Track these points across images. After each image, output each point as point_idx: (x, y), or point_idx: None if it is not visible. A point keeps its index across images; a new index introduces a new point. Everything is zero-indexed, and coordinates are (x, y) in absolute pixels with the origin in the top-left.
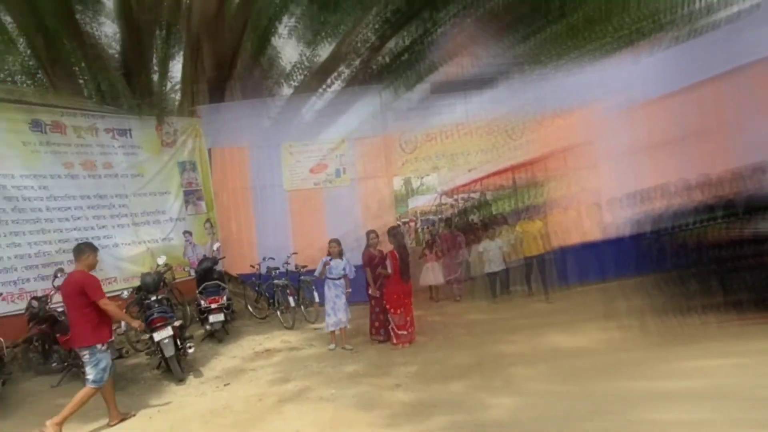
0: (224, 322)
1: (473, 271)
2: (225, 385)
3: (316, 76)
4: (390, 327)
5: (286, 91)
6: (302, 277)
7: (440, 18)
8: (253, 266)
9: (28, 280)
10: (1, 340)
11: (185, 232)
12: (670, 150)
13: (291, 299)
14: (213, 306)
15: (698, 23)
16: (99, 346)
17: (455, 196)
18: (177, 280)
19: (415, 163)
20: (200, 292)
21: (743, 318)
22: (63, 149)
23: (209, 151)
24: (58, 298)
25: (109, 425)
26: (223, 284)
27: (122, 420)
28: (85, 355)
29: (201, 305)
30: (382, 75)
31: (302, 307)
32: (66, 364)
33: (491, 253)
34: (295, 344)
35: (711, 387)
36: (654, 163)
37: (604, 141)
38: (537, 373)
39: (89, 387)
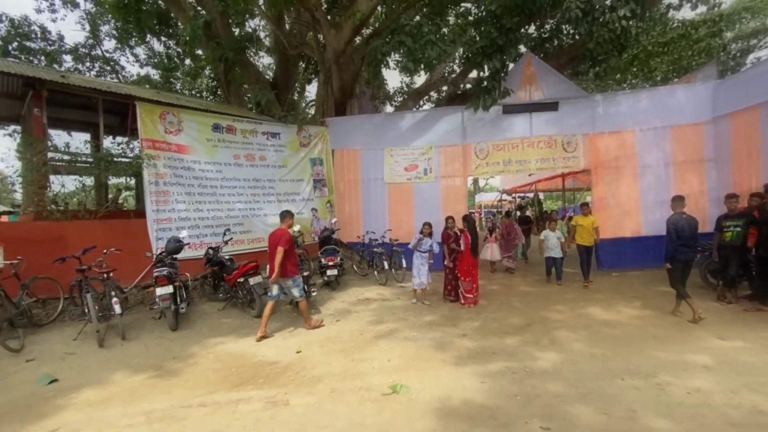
0: (337, 276)
1: (533, 255)
2: (336, 321)
3: (411, 97)
4: (459, 291)
5: (388, 108)
6: (394, 248)
7: (512, 54)
8: (359, 237)
9: (206, 235)
10: (188, 275)
11: (312, 209)
12: (699, 166)
13: (385, 263)
14: (330, 263)
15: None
16: (297, 277)
17: (513, 195)
18: (306, 243)
19: (486, 167)
20: (321, 253)
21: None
22: (233, 145)
23: (333, 151)
24: (226, 248)
25: (257, 340)
26: (337, 248)
27: (263, 338)
28: (289, 282)
29: (321, 262)
30: (464, 97)
31: (393, 270)
32: (228, 295)
33: (550, 241)
34: (387, 297)
35: (728, 363)
36: (685, 177)
37: (642, 156)
38: (578, 336)
39: (301, 300)
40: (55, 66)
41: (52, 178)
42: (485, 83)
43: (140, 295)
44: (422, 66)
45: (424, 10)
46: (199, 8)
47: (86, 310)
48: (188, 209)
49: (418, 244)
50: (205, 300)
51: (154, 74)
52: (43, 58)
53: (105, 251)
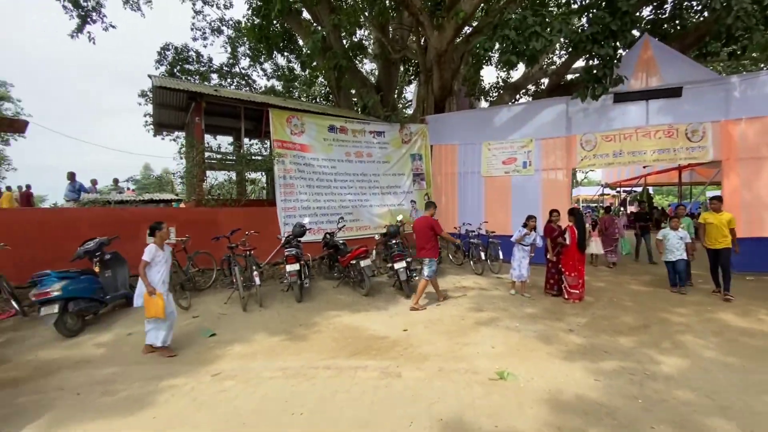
0: (436, 263)
1: (653, 257)
2: (437, 305)
3: (507, 92)
4: (563, 285)
5: (483, 104)
6: (491, 240)
7: (626, 39)
8: (455, 228)
9: (322, 222)
10: (309, 255)
11: (411, 201)
12: None
13: (482, 254)
14: None
15: None
16: (434, 259)
17: (617, 189)
18: (405, 232)
19: (593, 159)
20: None
21: None
22: (345, 144)
23: (431, 147)
24: (339, 234)
25: (437, 304)
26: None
27: (415, 309)
28: (426, 262)
29: None
30: (567, 87)
31: (488, 261)
32: (342, 275)
33: (670, 242)
34: (484, 286)
35: None
36: None
37: None
38: (707, 343)
39: (425, 279)
40: (206, 83)
41: (207, 173)
42: (595, 71)
43: (271, 270)
44: (525, 58)
45: (525, 2)
46: (315, 24)
47: (234, 281)
48: (308, 199)
49: (522, 238)
50: (321, 278)
51: (278, 85)
52: (197, 77)
53: (247, 233)
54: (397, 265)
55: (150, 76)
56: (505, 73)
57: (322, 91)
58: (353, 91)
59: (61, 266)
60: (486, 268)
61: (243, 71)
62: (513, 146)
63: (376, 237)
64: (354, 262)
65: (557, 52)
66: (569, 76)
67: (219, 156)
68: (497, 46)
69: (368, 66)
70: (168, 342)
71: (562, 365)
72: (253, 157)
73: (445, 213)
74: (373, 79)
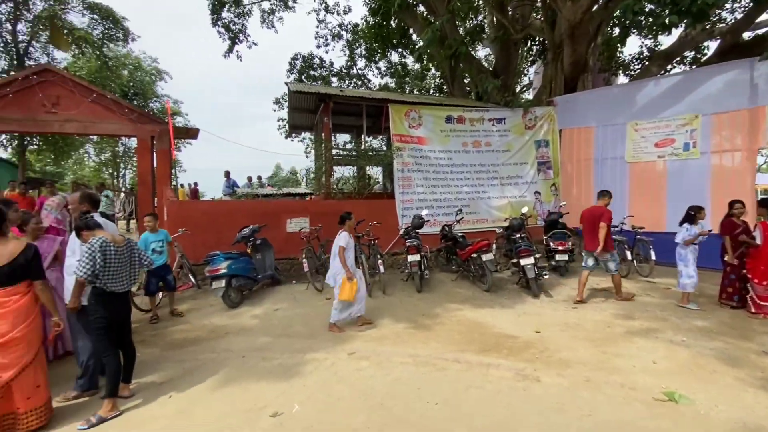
0: (567, 261)
1: None
2: (573, 308)
3: (655, 62)
4: (749, 296)
5: (621, 79)
6: (638, 237)
7: None
8: None
9: (438, 215)
10: (428, 247)
11: (535, 192)
12: None
13: (628, 253)
14: (560, 248)
15: None
16: (614, 252)
17: None
18: (528, 226)
19: None
20: (548, 237)
21: None
22: (462, 134)
23: (560, 131)
24: (458, 227)
25: (573, 306)
26: (568, 233)
27: (580, 302)
28: (607, 256)
29: (550, 246)
30: (746, 48)
31: (634, 262)
32: (461, 268)
33: None
34: (631, 291)
35: None
36: None
37: None
38: None
39: (615, 274)
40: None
41: (334, 168)
42: None
43: (390, 260)
44: (691, 17)
45: None
46: (429, 15)
47: (360, 267)
48: (425, 192)
49: (696, 238)
50: (438, 270)
51: (391, 82)
52: (320, 81)
53: (370, 223)
54: (524, 261)
55: (286, 83)
56: (652, 40)
57: (433, 84)
58: (467, 81)
59: (224, 249)
60: (632, 269)
61: (360, 72)
62: (670, 125)
63: (498, 230)
64: (474, 255)
65: (731, 4)
66: (748, 34)
67: (344, 152)
68: (651, 7)
69: (481, 53)
70: (353, 315)
71: (759, 395)
72: (376, 153)
73: (578, 205)
74: (487, 65)
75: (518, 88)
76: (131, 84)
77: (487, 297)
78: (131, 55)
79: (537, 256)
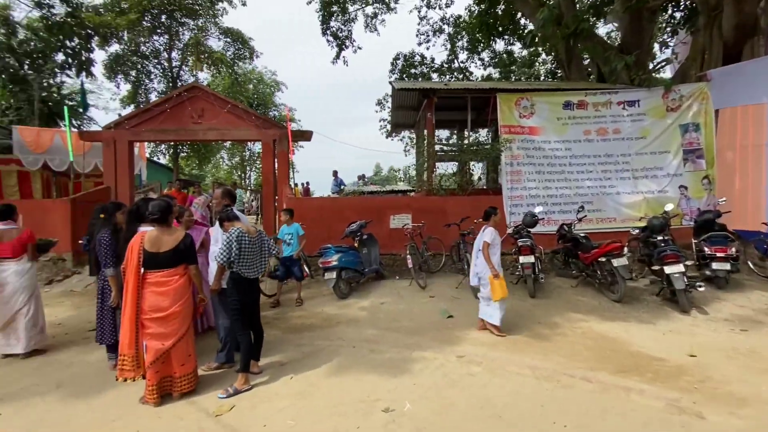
0: (728, 271)
1: None
2: (741, 330)
3: None
4: None
5: None
6: None
7: None
8: (764, 223)
9: (554, 212)
10: (542, 248)
11: (681, 186)
12: None
13: None
14: (719, 255)
15: None
16: None
17: None
18: (671, 227)
19: None
20: (703, 240)
21: None
22: (583, 121)
23: (716, 112)
24: (579, 226)
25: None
26: (730, 236)
27: None
28: None
29: (704, 252)
30: None
31: None
32: (583, 273)
33: None
34: None
35: None
36: None
37: None
38: None
39: None
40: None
41: (437, 164)
42: None
43: None
44: None
45: None
46: None
47: (465, 267)
48: (538, 187)
49: None
50: (553, 274)
51: (494, 73)
52: (420, 78)
53: (475, 221)
54: (670, 269)
55: (390, 82)
56: None
57: (543, 70)
58: (585, 63)
59: (334, 242)
60: None
61: (462, 65)
62: None
63: (632, 231)
64: (602, 259)
65: None
66: None
67: (447, 148)
68: None
69: (601, 30)
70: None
71: None
72: (482, 146)
73: (742, 202)
74: (610, 42)
75: (650, 66)
76: (255, 96)
77: (618, 308)
78: (255, 71)
79: (687, 263)
